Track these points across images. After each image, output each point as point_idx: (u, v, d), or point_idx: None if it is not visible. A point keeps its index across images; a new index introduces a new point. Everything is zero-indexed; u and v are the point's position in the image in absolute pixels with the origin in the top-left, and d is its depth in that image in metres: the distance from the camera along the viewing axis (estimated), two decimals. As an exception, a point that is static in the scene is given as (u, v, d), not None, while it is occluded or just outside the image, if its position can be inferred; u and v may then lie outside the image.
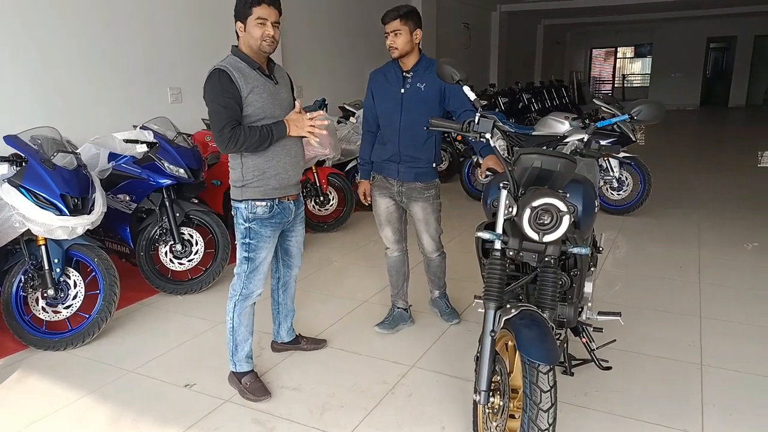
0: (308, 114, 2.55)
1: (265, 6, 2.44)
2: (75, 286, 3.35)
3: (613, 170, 5.59)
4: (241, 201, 2.57)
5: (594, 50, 24.45)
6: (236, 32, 2.51)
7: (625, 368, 2.85)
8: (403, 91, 3.00)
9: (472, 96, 2.37)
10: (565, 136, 5.49)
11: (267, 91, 2.51)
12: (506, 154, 2.29)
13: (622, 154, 5.57)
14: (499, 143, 2.31)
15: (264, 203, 2.56)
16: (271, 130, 2.47)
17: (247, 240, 2.59)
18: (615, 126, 5.37)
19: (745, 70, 18.98)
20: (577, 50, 23.33)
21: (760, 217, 5.59)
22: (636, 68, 24.79)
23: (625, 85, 23.52)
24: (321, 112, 2.56)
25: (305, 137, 2.56)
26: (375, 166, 3.20)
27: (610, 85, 24.29)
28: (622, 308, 3.23)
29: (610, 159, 5.52)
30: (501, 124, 2.44)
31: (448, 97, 3.01)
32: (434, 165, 3.12)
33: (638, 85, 23.53)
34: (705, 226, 5.32)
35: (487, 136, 2.31)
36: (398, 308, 3.42)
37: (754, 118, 15.87)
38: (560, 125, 5.73)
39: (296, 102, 2.64)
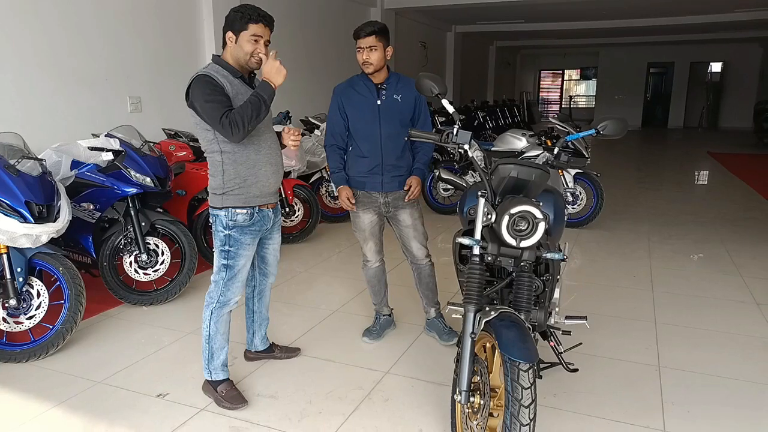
0: (284, 128, 2.61)
1: (262, 25, 2.49)
2: (38, 296, 3.24)
3: (567, 184, 5.83)
4: (221, 208, 2.58)
5: (542, 72, 25.38)
6: (223, 41, 2.53)
7: (588, 370, 2.99)
8: (379, 102, 3.05)
9: (450, 109, 2.48)
10: (522, 152, 5.73)
11: (249, 99, 2.54)
12: (483, 165, 2.40)
13: (574, 171, 5.84)
14: (476, 154, 2.42)
15: (245, 211, 2.58)
16: (258, 94, 2.44)
17: (227, 248, 2.59)
18: (570, 143, 5.62)
19: (682, 94, 20.14)
20: (527, 72, 24.17)
21: (703, 230, 5.94)
22: (581, 90, 25.84)
23: (572, 105, 24.48)
24: (298, 129, 2.61)
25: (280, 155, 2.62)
26: (354, 182, 3.15)
27: (558, 106, 25.22)
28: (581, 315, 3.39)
29: (565, 174, 5.76)
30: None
31: (418, 111, 3.13)
32: (412, 169, 3.16)
33: (584, 106, 24.52)
34: (654, 238, 5.62)
35: (465, 147, 2.41)
36: (384, 315, 3.47)
37: (691, 138, 16.81)
38: (518, 141, 5.97)
39: (270, 53, 2.54)
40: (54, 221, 3.23)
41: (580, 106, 24.69)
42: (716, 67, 19.83)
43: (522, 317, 2.17)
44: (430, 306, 3.41)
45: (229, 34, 2.51)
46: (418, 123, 3.15)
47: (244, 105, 2.41)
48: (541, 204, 2.19)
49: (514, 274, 2.29)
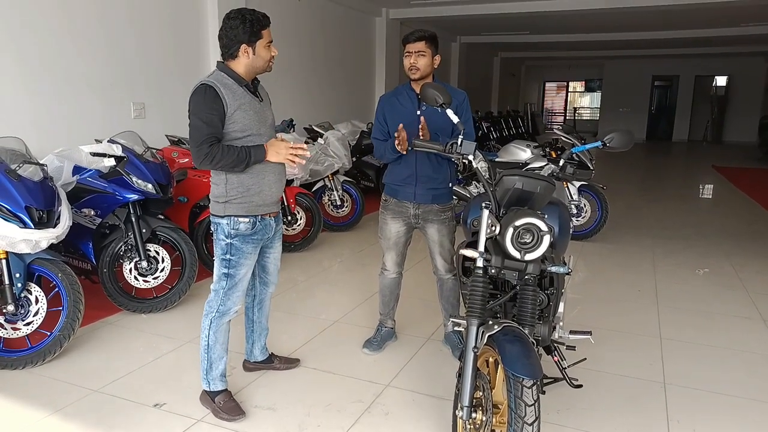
0: (291, 143, 2.56)
1: (269, 28, 2.47)
2: (36, 302, 3.21)
3: (572, 197, 5.78)
4: (223, 217, 2.54)
5: (547, 83, 25.41)
6: (229, 54, 2.48)
7: (593, 386, 2.94)
8: (419, 112, 2.97)
9: (455, 119, 2.46)
10: (527, 163, 5.70)
11: (253, 108, 2.51)
12: (487, 176, 2.37)
13: (579, 183, 5.79)
14: (480, 165, 2.39)
15: (247, 219, 2.55)
16: (249, 152, 2.44)
17: (228, 256, 2.56)
18: (575, 155, 5.59)
19: (686, 107, 20.14)
20: (531, 83, 24.22)
21: (708, 243, 5.89)
22: (586, 102, 25.85)
23: (576, 117, 24.49)
24: (304, 145, 2.57)
25: (283, 163, 2.56)
26: (389, 189, 3.16)
27: (562, 117, 25.21)
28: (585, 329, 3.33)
29: (569, 186, 5.72)
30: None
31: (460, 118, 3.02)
32: (450, 185, 3.12)
33: (588, 118, 24.52)
34: (659, 252, 5.57)
35: (470, 157, 2.39)
36: (386, 327, 3.43)
37: (695, 152, 16.79)
38: (522, 153, 5.95)
39: (278, 135, 2.64)
40: (54, 227, 3.20)
41: (584, 118, 24.70)
42: (721, 80, 19.83)
43: (526, 332, 2.13)
44: (449, 320, 3.35)
45: (244, 47, 2.44)
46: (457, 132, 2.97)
47: (231, 151, 2.40)
48: (546, 216, 2.16)
49: (518, 287, 2.25)
